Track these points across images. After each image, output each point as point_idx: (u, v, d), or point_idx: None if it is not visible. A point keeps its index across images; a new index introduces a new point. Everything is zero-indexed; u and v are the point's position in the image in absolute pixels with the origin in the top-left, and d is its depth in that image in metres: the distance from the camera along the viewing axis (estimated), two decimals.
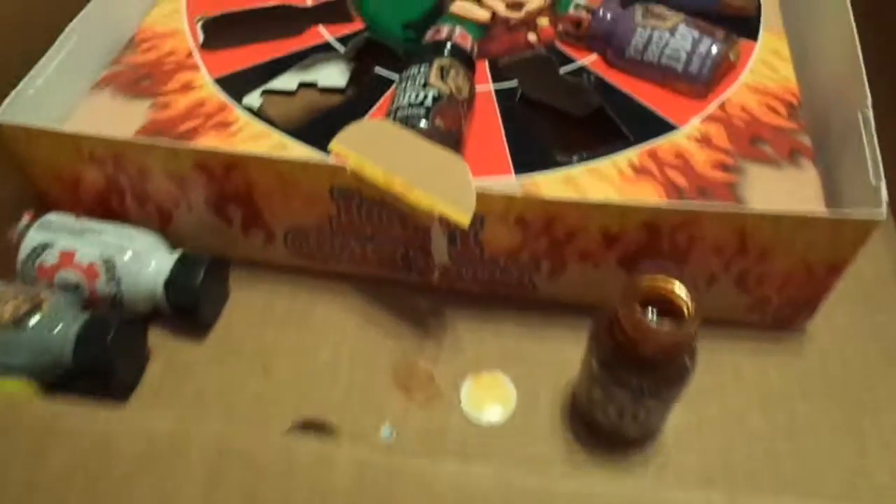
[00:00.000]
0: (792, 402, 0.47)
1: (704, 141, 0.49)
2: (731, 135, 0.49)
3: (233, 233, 0.52)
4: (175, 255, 0.49)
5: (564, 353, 0.48)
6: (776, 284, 0.46)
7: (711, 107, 0.51)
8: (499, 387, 0.48)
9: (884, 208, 0.41)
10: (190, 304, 0.48)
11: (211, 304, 0.51)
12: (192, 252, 0.50)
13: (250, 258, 0.53)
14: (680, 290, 0.37)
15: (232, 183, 0.47)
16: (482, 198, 0.42)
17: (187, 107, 0.52)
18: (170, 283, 0.48)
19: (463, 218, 0.40)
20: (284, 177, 0.46)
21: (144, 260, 0.48)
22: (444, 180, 0.41)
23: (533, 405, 0.47)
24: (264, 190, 0.47)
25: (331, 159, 0.45)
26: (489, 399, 0.47)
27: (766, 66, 0.54)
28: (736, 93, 0.52)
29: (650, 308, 0.37)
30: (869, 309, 0.51)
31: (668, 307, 0.37)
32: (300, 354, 0.50)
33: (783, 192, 0.46)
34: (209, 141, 0.49)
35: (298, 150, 0.49)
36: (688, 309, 0.37)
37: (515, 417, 0.47)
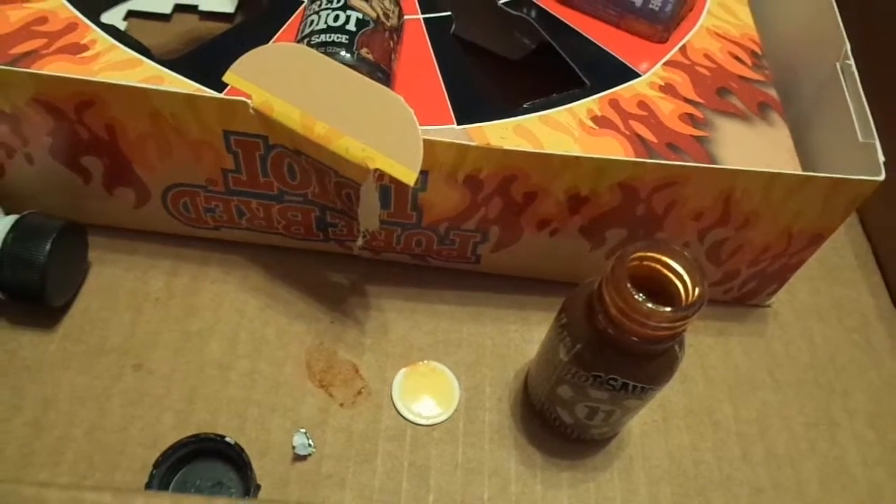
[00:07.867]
0: (762, 390, 0.42)
1: (668, 90, 0.43)
2: (697, 84, 0.43)
3: (92, 191, 0.41)
4: (9, 221, 0.37)
5: (509, 336, 0.42)
6: (751, 256, 0.41)
7: (672, 52, 0.45)
8: (437, 379, 0.40)
9: (882, 168, 0.36)
10: (33, 285, 0.37)
11: (62, 284, 0.40)
12: (35, 216, 0.38)
13: (117, 223, 0.43)
14: (681, 265, 0.30)
15: (88, 125, 0.36)
16: (428, 149, 0.33)
17: (22, 22, 0.39)
18: (3, 256, 0.36)
19: (408, 175, 0.31)
20: (162, 117, 0.35)
21: None
22: (382, 126, 0.32)
23: (478, 400, 0.40)
24: (134, 135, 0.36)
25: (226, 94, 0.35)
26: (426, 394, 0.39)
27: (724, 9, 0.48)
28: (696, 37, 0.46)
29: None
30: (828, 282, 0.47)
31: (658, 287, 0.31)
32: (184, 346, 0.40)
33: (757, 150, 0.40)
34: (56, 68, 0.37)
35: (180, 85, 0.38)
36: (686, 288, 0.30)
37: (458, 415, 0.39)
